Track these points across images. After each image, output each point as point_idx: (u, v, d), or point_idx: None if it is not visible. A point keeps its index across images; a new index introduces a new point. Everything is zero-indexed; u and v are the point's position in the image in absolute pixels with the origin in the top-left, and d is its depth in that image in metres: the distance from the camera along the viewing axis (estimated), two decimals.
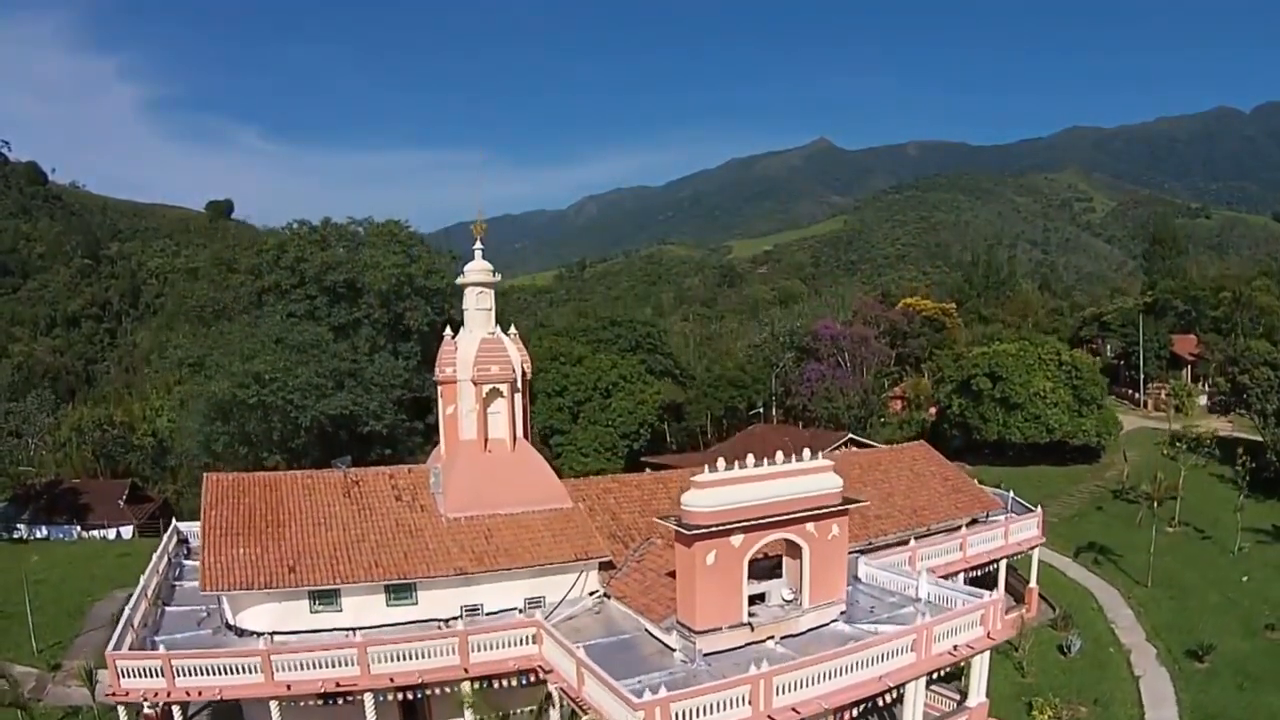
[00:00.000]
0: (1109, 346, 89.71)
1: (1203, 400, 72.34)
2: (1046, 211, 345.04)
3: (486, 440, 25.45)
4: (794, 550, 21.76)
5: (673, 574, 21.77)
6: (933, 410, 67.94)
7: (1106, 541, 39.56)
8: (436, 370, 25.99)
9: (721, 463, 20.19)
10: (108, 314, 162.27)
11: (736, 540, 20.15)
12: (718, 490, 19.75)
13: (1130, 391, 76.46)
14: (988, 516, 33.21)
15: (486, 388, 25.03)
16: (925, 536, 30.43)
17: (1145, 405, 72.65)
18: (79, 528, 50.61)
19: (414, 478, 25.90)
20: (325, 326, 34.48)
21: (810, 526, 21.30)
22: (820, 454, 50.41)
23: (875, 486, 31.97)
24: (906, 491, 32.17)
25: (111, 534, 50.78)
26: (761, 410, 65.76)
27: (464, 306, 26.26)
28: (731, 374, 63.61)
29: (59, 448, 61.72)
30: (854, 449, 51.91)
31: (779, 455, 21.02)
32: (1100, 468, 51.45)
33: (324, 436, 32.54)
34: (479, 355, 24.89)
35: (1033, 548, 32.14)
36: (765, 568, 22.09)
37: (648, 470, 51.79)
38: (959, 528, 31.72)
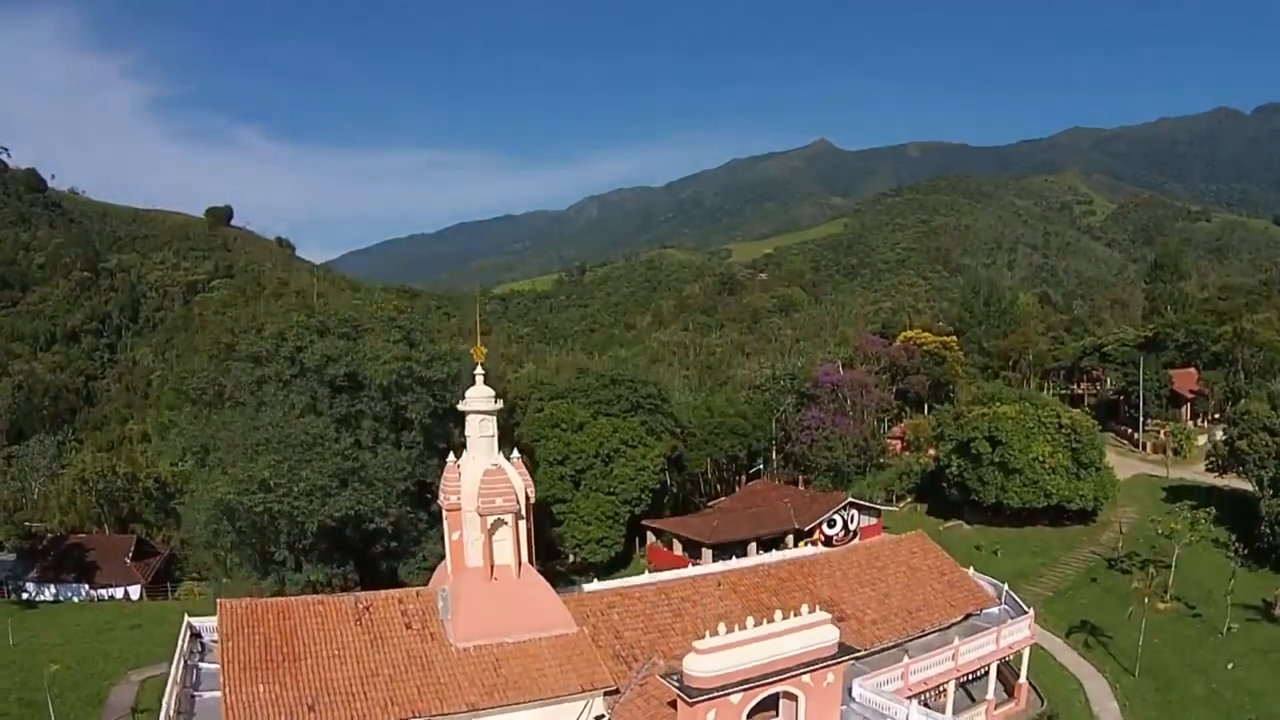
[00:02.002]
0: (1109, 379, 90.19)
1: (1201, 440, 72.82)
2: (1046, 214, 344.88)
3: (493, 567, 25.98)
4: (790, 694, 22.35)
5: (674, 703, 22.38)
6: (931, 452, 68.53)
7: (1098, 620, 40.18)
8: (441, 496, 26.46)
9: (722, 627, 20.73)
10: (107, 328, 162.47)
11: (735, 698, 20.74)
12: (718, 655, 20.29)
13: (1129, 431, 76.81)
14: (981, 612, 33.87)
15: (491, 519, 25.54)
16: (920, 637, 31.13)
17: (1144, 447, 73.03)
18: (87, 587, 51.25)
19: (423, 602, 26.43)
20: (327, 418, 34.89)
21: (807, 678, 21.88)
22: (816, 533, 50.24)
23: (872, 586, 32.62)
24: (903, 591, 32.77)
25: (119, 593, 51.45)
26: (762, 464, 66.32)
27: (466, 432, 26.68)
28: (732, 421, 64.08)
29: (61, 495, 62.25)
30: (853, 535, 52.64)
31: (777, 614, 21.57)
32: (1097, 528, 52.02)
33: (329, 532, 33.08)
34: (483, 487, 25.37)
35: (1024, 647, 32.77)
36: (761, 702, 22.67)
37: (649, 534, 52.72)
38: (954, 625, 32.42)
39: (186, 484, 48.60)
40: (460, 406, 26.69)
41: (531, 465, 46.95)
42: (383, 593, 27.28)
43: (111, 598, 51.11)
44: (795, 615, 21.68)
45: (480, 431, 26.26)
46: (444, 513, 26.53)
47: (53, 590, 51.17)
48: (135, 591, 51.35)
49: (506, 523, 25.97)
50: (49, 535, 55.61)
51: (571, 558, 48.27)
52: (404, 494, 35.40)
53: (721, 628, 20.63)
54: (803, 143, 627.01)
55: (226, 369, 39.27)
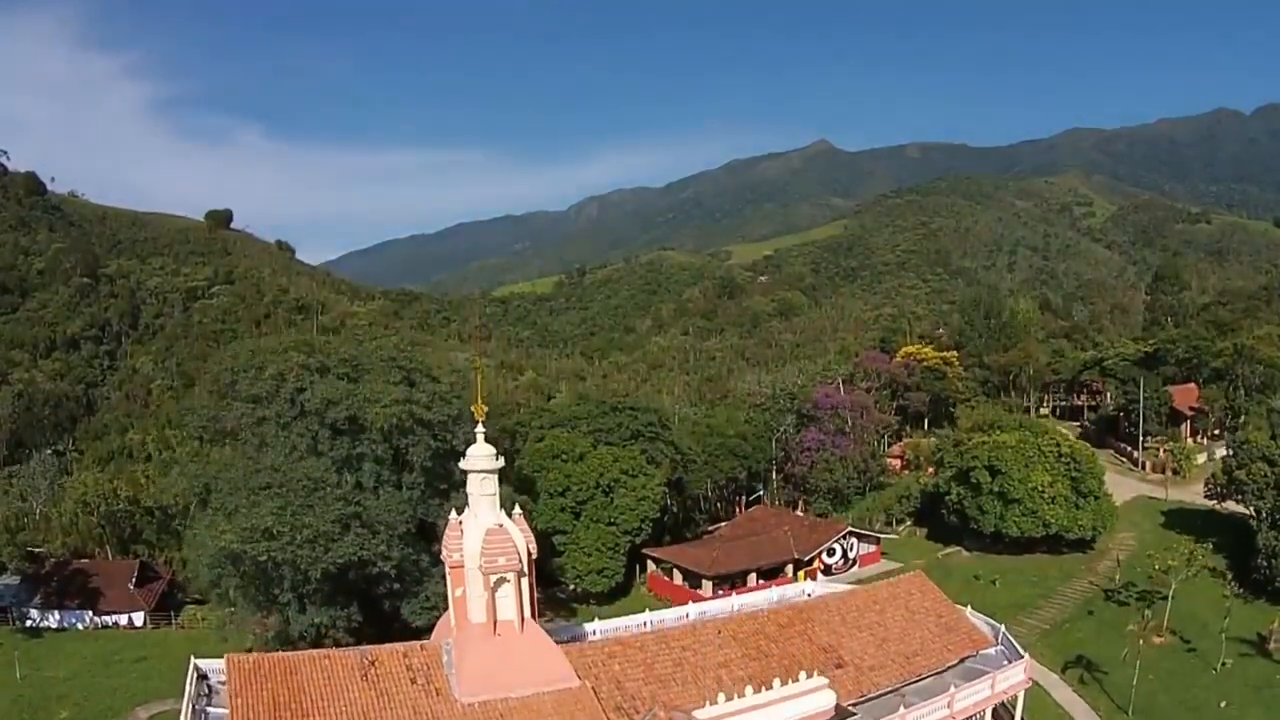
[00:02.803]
0: (1109, 394, 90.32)
1: (1201, 459, 73.07)
2: (1047, 216, 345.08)
3: (496, 623, 26.27)
4: None
5: None
6: (930, 471, 68.79)
7: (1094, 654, 40.49)
8: (444, 553, 26.72)
9: (722, 697, 21.05)
10: (107, 335, 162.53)
11: None
12: None
13: (1129, 449, 76.93)
14: (978, 654, 34.18)
15: (494, 577, 25.83)
16: (917, 682, 31.44)
17: (1143, 466, 73.20)
18: (91, 613, 51.52)
19: (427, 656, 26.74)
20: (328, 460, 35.07)
21: None
22: (816, 562, 50.44)
23: (870, 631, 32.92)
24: (901, 635, 33.07)
25: (124, 619, 51.73)
26: (762, 489, 66.61)
27: (468, 489, 26.93)
28: (732, 443, 64.35)
29: (63, 516, 62.39)
30: (852, 563, 52.89)
31: (776, 682, 21.88)
32: (1095, 556, 52.31)
33: (332, 575, 33.34)
34: (485, 548, 25.62)
35: (1020, 690, 33.09)
36: None
37: (650, 562, 53.02)
38: (950, 668, 32.74)
39: (188, 510, 48.72)
40: (462, 465, 26.91)
41: (532, 496, 47.41)
42: (387, 646, 27.57)
43: (116, 624, 51.38)
44: (794, 681, 22.04)
45: (482, 490, 26.50)
46: (447, 569, 26.81)
47: (57, 617, 51.43)
48: (139, 618, 51.62)
49: (509, 580, 26.26)
50: (52, 559, 55.82)
51: (572, 586, 48.58)
52: (405, 535, 35.65)
53: (721, 697, 20.98)
54: (803, 143, 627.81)
55: (228, 405, 39.46)
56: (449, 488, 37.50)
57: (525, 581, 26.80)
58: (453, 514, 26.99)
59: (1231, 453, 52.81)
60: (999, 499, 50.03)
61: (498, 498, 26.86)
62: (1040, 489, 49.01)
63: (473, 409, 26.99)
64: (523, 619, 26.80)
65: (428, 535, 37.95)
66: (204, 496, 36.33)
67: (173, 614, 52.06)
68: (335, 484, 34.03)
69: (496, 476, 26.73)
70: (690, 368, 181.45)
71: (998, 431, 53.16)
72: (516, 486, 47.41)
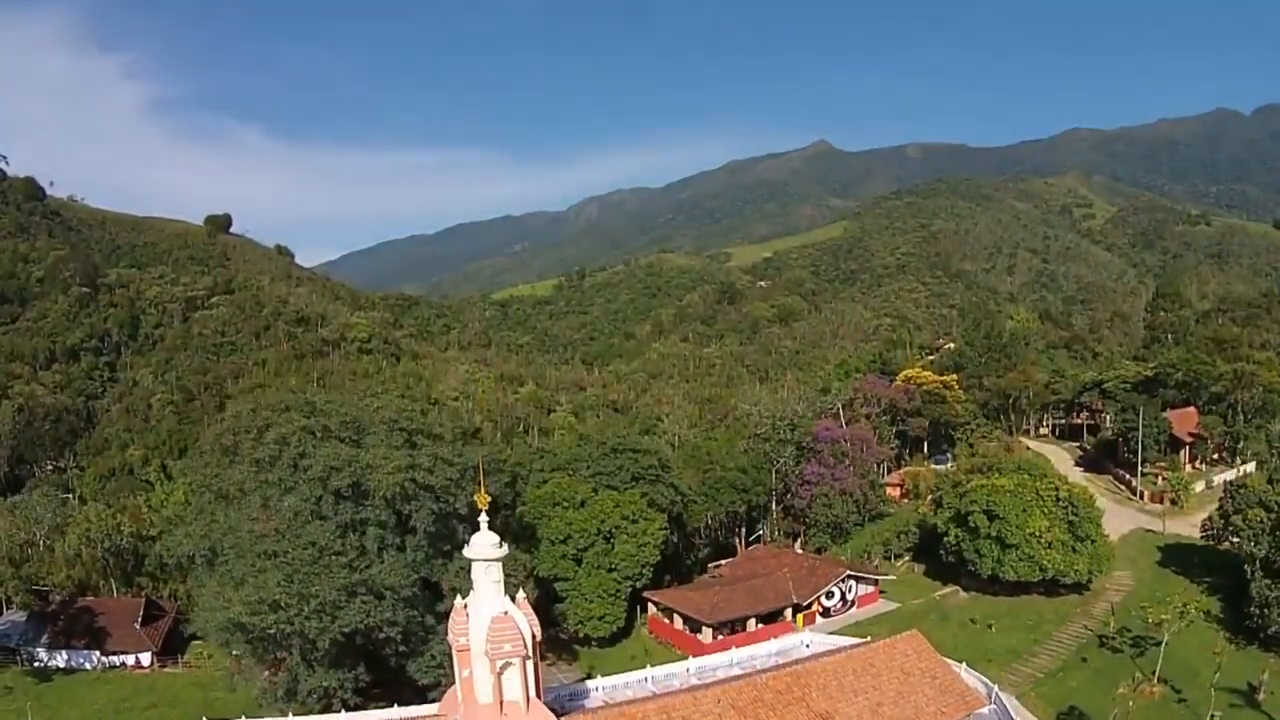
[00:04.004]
0: (1108, 418, 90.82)
1: (1199, 486, 73.53)
2: (1046, 217, 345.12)
3: (502, 704, 26.75)
4: None
5: None
6: (928, 502, 69.35)
7: (1086, 705, 41.00)
8: (450, 635, 27.16)
9: None
10: (106, 346, 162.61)
11: None
12: None
13: (1127, 476, 77.35)
14: (971, 715, 34.72)
15: (500, 662, 26.29)
16: None
17: (1141, 496, 73.62)
18: (98, 653, 52.05)
19: None
20: (332, 524, 35.45)
21: None
22: (815, 605, 50.79)
23: (866, 695, 33.42)
24: (895, 699, 33.57)
25: (131, 660, 52.27)
26: (763, 529, 67.05)
27: (472, 575, 27.36)
28: (732, 475, 64.81)
29: (68, 549, 62.77)
30: (851, 604, 53.19)
31: None
32: (1091, 597, 52.80)
33: (339, 641, 33.79)
34: (491, 635, 26.04)
35: None
36: None
37: (650, 605, 53.55)
38: None
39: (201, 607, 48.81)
40: (466, 553, 27.31)
41: (534, 543, 47.87)
42: (396, 717, 28.09)
43: (123, 664, 51.93)
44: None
45: (486, 577, 26.88)
46: (454, 651, 27.26)
47: (65, 657, 51.95)
48: (146, 658, 52.16)
49: (514, 664, 26.72)
50: (58, 596, 56.31)
51: (574, 630, 49.09)
52: (410, 597, 36.08)
53: None
54: (802, 143, 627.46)
55: (230, 465, 39.84)
56: (452, 548, 37.93)
57: (530, 664, 27.27)
58: (458, 599, 27.42)
59: (1228, 496, 53.25)
60: (996, 543, 50.54)
61: (502, 584, 27.28)
62: (1038, 534, 49.51)
63: (475, 499, 27.36)
64: (528, 699, 27.26)
65: (432, 591, 38.39)
66: (209, 559, 36.77)
67: (179, 655, 52.59)
68: (339, 550, 34.43)
69: (501, 564, 27.15)
70: (690, 375, 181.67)
71: (996, 475, 53.63)
72: (518, 533, 47.90)
